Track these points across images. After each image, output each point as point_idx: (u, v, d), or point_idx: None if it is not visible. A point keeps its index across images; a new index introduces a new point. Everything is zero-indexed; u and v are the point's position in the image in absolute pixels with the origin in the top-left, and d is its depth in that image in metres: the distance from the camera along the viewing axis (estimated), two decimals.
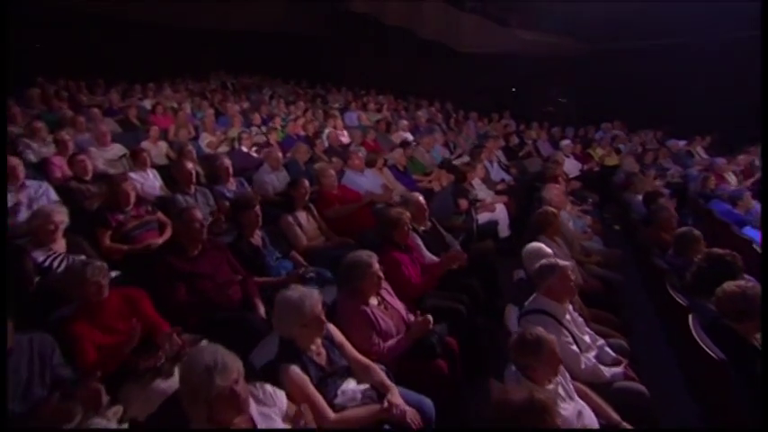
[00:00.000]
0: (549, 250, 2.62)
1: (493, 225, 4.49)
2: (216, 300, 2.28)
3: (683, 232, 3.10)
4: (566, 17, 9.87)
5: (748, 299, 2.10)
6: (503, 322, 2.35)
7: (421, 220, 3.10)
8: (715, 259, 2.56)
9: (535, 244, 2.64)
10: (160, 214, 3.27)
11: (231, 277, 2.45)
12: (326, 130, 7.14)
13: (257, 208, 2.79)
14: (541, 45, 10.22)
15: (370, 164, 4.65)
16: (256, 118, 6.96)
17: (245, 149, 5.54)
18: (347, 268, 2.15)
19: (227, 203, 3.77)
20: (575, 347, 2.10)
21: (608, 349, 2.36)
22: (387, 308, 2.27)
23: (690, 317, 2.46)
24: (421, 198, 3.17)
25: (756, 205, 4.16)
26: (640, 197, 4.45)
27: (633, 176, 4.95)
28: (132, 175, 3.98)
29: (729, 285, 2.19)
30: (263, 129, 6.89)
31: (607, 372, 2.15)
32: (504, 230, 4.59)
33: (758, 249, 3.62)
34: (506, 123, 9.37)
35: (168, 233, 3.15)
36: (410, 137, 7.85)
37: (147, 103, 7.84)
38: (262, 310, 2.38)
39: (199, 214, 2.42)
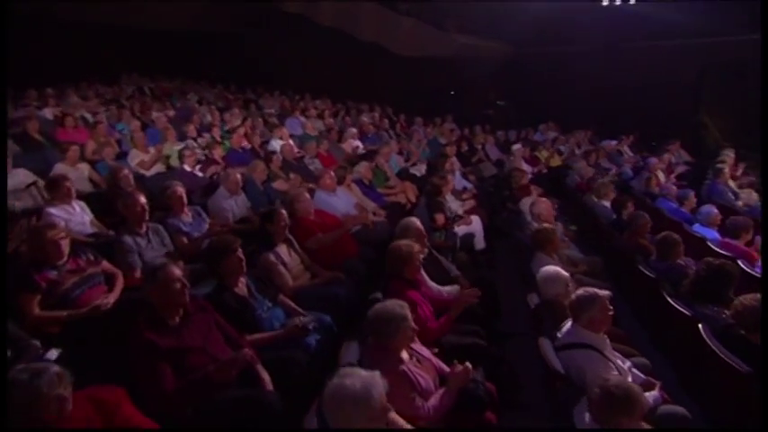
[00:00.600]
0: (565, 273, 2.54)
1: (469, 238, 4.43)
2: (212, 378, 1.85)
3: (664, 237, 3.25)
4: (498, 22, 10.30)
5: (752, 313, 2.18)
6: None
7: (422, 247, 2.88)
8: (716, 268, 2.67)
9: (551, 268, 2.56)
10: (105, 263, 2.68)
11: (224, 345, 2.02)
12: (274, 142, 6.67)
13: (239, 251, 2.36)
14: (477, 49, 10.56)
15: (339, 181, 4.32)
16: (191, 130, 6.24)
17: (188, 168, 4.89)
18: (380, 323, 1.86)
19: (186, 239, 3.25)
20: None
21: (636, 371, 2.34)
22: (420, 360, 2.01)
23: (701, 326, 2.53)
24: (419, 223, 2.94)
25: (706, 205, 4.53)
26: (606, 203, 4.67)
27: (593, 181, 5.19)
28: (52, 210, 3.27)
29: (747, 299, 2.27)
30: (201, 142, 6.23)
31: (650, 398, 2.10)
32: (479, 243, 4.54)
33: (711, 246, 3.93)
34: (451, 128, 9.53)
35: (119, 287, 2.59)
36: (360, 145, 7.67)
37: (48, 113, 6.68)
38: (268, 380, 1.99)
39: (177, 271, 1.95)
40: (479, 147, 7.96)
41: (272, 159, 4.91)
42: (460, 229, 4.33)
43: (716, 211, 4.26)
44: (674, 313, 2.83)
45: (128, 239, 2.85)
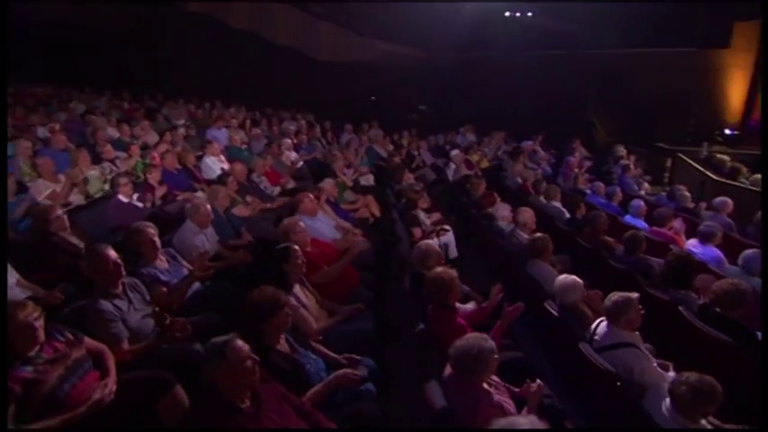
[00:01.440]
0: (580, 280, 2.83)
1: (444, 248, 4.62)
2: None
3: (632, 234, 3.80)
4: (412, 28, 10.80)
5: (741, 291, 2.71)
6: None
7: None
8: (683, 258, 3.22)
9: (569, 277, 2.83)
10: (88, 340, 2.17)
11: (297, 419, 1.85)
12: (208, 160, 6.13)
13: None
14: (396, 55, 10.94)
15: None
16: (107, 150, 5.43)
17: (124, 199, 4.27)
18: (469, 361, 1.90)
19: (166, 290, 2.87)
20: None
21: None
22: (496, 386, 2.10)
23: (681, 308, 3.02)
24: (436, 246, 3.01)
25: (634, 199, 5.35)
26: (556, 203, 5.24)
27: (538, 183, 5.77)
28: None
29: (723, 283, 2.79)
30: (118, 164, 5.46)
31: (669, 377, 2.46)
32: (453, 252, 4.76)
33: (646, 235, 4.68)
34: (382, 134, 9.72)
35: (113, 367, 2.14)
36: (295, 156, 7.44)
37: None
38: None
39: (245, 345, 1.72)
40: (416, 153, 8.27)
41: (226, 182, 4.51)
42: (440, 241, 4.49)
43: (643, 203, 5.08)
44: (652, 300, 3.32)
45: (105, 305, 2.37)
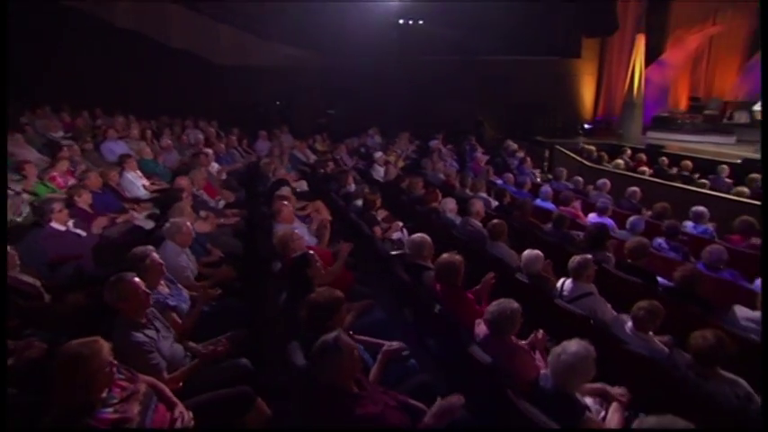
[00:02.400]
0: (540, 253, 3.63)
1: (399, 243, 5.18)
2: None
3: (558, 214, 4.82)
4: (311, 33, 11.12)
5: (644, 245, 3.81)
6: None
7: None
8: (599, 227, 4.28)
9: (532, 251, 3.60)
10: (141, 375, 2.13)
11: (382, 394, 2.19)
12: (129, 175, 5.72)
13: None
14: (299, 59, 11.13)
15: None
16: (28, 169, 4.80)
17: (59, 227, 3.91)
18: (506, 320, 2.46)
19: (176, 315, 2.89)
20: None
21: None
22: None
23: (603, 265, 4.04)
24: (427, 237, 3.54)
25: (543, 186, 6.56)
26: (483, 194, 6.17)
27: (464, 178, 6.67)
28: None
29: (631, 242, 3.86)
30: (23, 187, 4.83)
31: None
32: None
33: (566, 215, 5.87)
34: (292, 140, 9.85)
35: (170, 395, 2.17)
36: (218, 167, 7.28)
37: None
38: None
39: (349, 339, 2.00)
40: (339, 157, 8.66)
41: (181, 197, 4.39)
42: (396, 236, 5.02)
43: (551, 190, 6.30)
44: None
45: (140, 337, 2.35)
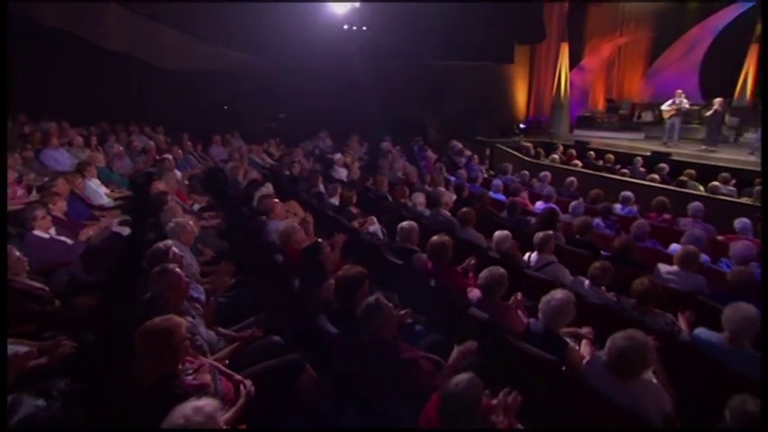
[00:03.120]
0: (509, 233, 4.30)
1: (374, 234, 5.67)
2: None
3: (511, 202, 5.57)
4: (257, 38, 11.27)
5: (588, 223, 4.64)
6: None
7: None
8: (550, 212, 5.08)
9: (502, 232, 4.26)
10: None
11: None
12: (91, 182, 5.66)
13: None
14: (246, 63, 11.21)
15: None
16: None
17: (42, 234, 3.94)
18: (497, 284, 3.05)
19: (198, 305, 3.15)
20: None
21: None
22: None
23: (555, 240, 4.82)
24: (414, 225, 4.07)
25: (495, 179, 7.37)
26: (442, 188, 6.83)
27: (424, 176, 7.30)
28: None
29: (576, 221, 4.67)
30: None
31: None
32: (380, 236, 5.84)
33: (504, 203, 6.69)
34: (239, 145, 9.93)
35: (227, 370, 2.47)
36: (179, 174, 7.30)
37: None
38: None
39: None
40: (297, 160, 8.93)
41: (166, 200, 4.53)
42: (373, 229, 5.50)
43: (501, 183, 7.12)
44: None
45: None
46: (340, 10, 12.20)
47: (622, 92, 14.32)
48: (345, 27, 12.53)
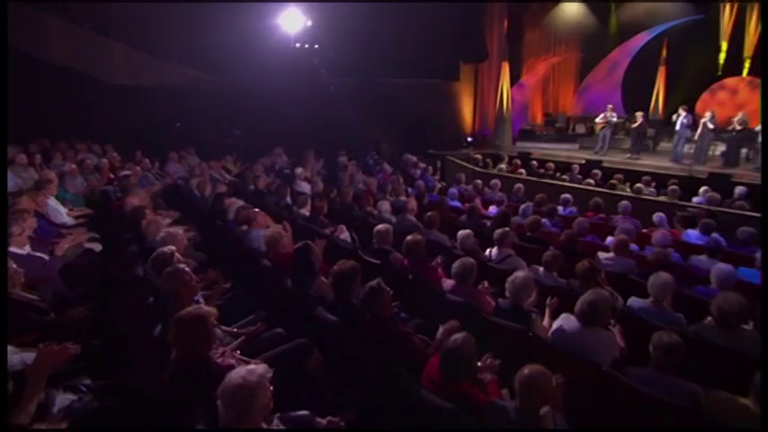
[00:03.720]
0: (471, 231, 4.88)
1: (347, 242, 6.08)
2: None
3: (470, 207, 6.21)
4: (215, 55, 11.42)
5: (538, 221, 5.33)
6: None
7: None
8: (503, 214, 5.75)
9: (464, 231, 4.82)
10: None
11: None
12: (51, 201, 5.62)
13: None
14: (198, 79, 11.29)
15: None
16: None
17: (19, 251, 4.00)
18: (468, 270, 3.58)
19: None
20: None
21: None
22: None
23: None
24: (389, 227, 4.53)
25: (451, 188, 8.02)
26: (403, 198, 7.38)
27: (385, 186, 7.81)
28: None
29: (530, 219, 5.36)
30: None
31: None
32: (349, 242, 6.25)
33: (459, 208, 7.36)
34: (199, 161, 9.98)
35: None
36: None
37: None
38: None
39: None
40: (258, 175, 9.14)
41: (144, 215, 4.68)
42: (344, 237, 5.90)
43: (457, 191, 7.78)
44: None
45: None
46: (292, 29, 12.64)
47: (557, 106, 15.80)
48: (297, 45, 12.96)
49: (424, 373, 2.47)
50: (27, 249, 4.12)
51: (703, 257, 4.76)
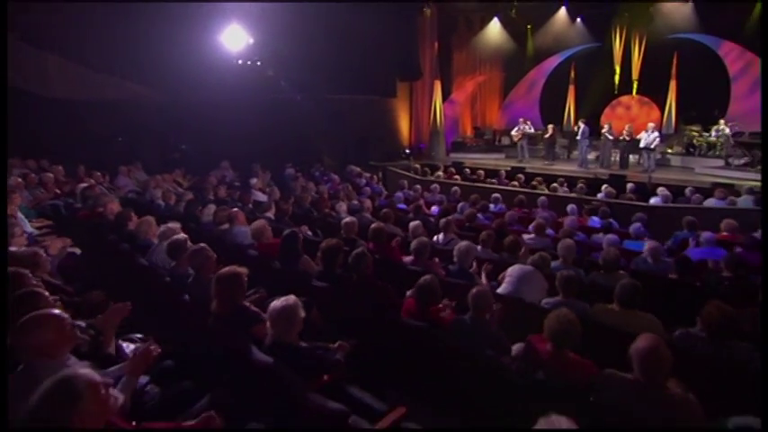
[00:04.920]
0: (420, 223, 5.98)
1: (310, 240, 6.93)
2: None
3: (416, 205, 7.34)
4: (150, 70, 11.77)
5: (474, 213, 6.57)
6: None
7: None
8: (445, 208, 6.94)
9: (414, 222, 5.91)
10: None
11: None
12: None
13: None
14: (141, 94, 11.57)
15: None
16: None
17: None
18: (423, 248, 4.64)
19: None
20: None
21: None
22: None
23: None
24: (354, 220, 5.48)
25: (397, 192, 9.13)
26: (355, 202, 8.37)
27: (338, 193, 8.75)
28: None
29: (466, 212, 6.58)
30: None
31: None
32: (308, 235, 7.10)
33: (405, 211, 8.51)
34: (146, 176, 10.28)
35: None
36: None
37: None
38: None
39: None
40: (217, 185, 9.68)
41: (126, 223, 5.25)
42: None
43: (402, 195, 8.92)
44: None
45: None
46: (235, 47, 13.29)
47: (485, 120, 17.76)
48: (240, 62, 13.61)
49: (403, 308, 3.46)
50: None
51: (600, 235, 6.24)
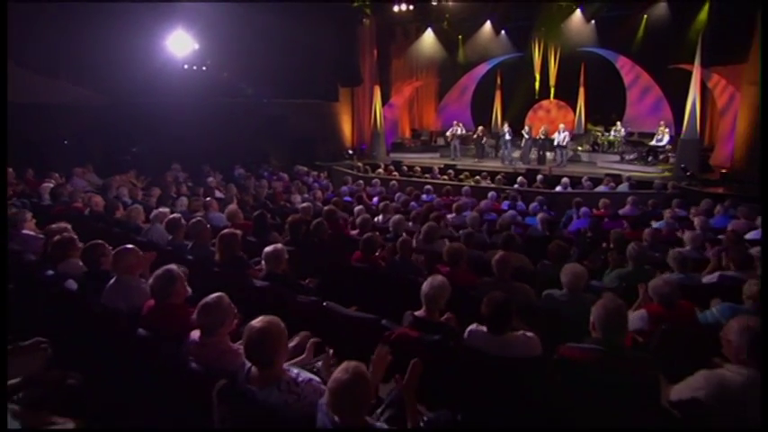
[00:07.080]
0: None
1: None
2: None
3: (359, 196, 8.95)
4: (105, 74, 12.54)
5: (407, 201, 8.29)
6: None
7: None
8: (383, 198, 8.61)
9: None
10: None
11: None
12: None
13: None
14: (91, 99, 12.31)
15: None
16: None
17: (31, 233, 5.56)
18: (365, 222, 6.27)
19: None
20: None
21: None
22: None
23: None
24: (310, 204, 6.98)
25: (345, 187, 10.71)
26: (307, 195, 9.85)
27: (290, 188, 10.16)
28: None
29: (401, 200, 8.29)
30: None
31: None
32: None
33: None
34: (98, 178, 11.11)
35: None
36: None
37: None
38: None
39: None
40: (178, 183, 10.72)
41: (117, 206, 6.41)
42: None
43: (348, 189, 10.51)
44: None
45: None
46: (180, 52, 14.25)
47: (422, 123, 19.80)
48: (186, 67, 14.58)
49: (352, 259, 5.04)
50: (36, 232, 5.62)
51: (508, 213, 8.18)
